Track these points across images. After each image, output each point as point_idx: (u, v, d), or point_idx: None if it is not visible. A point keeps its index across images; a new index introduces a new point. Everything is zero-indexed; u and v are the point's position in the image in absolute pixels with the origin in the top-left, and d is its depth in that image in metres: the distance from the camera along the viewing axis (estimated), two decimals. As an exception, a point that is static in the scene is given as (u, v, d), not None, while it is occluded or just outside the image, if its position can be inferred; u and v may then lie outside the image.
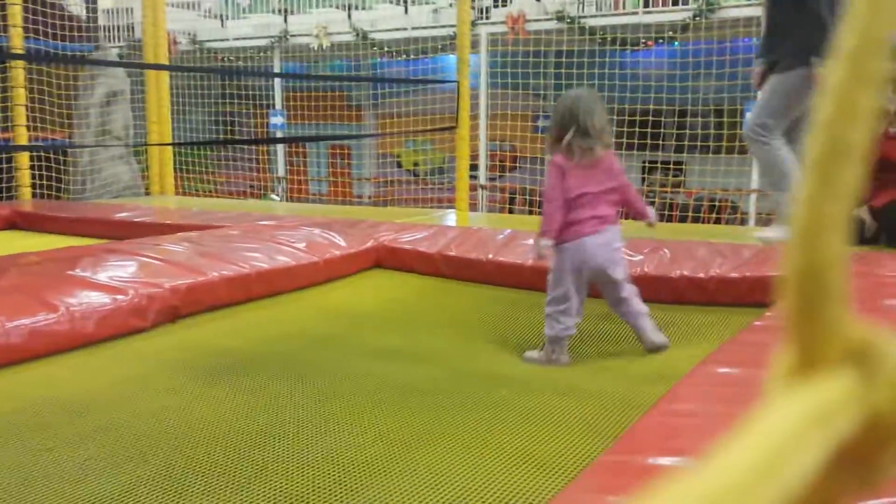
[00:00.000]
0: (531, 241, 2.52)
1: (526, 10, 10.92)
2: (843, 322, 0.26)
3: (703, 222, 9.26)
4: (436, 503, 1.50)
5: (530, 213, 9.20)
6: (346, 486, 1.57)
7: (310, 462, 1.69)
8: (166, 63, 7.87)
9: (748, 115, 4.00)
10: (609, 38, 10.01)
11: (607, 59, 10.00)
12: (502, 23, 11.05)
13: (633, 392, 2.17)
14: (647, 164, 11.09)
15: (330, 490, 1.55)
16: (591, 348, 2.68)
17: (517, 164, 11.99)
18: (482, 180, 11.37)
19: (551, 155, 2.45)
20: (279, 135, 12.30)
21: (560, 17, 10.61)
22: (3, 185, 6.69)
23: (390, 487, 1.56)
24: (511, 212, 10.31)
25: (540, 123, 12.05)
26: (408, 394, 2.16)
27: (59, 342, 2.49)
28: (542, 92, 11.72)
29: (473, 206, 10.34)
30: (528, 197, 10.31)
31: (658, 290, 3.05)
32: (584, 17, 10.41)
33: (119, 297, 2.74)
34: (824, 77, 0.26)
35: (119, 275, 3.01)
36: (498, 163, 11.81)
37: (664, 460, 1.39)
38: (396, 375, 2.33)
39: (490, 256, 3.61)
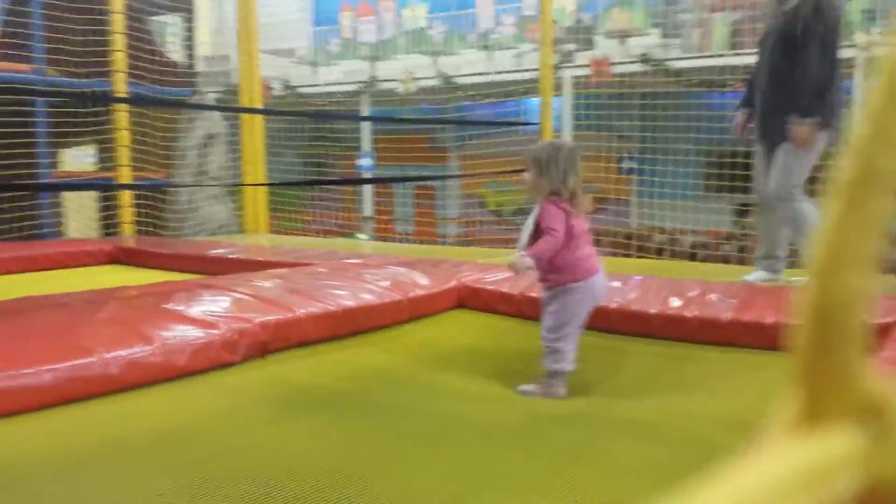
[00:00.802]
0: (514, 258, 2.56)
1: (610, 53, 10.92)
2: (858, 372, 0.23)
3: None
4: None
5: (613, 255, 9.07)
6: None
7: (385, 501, 1.69)
8: (260, 107, 8.19)
9: (770, 181, 3.95)
10: (695, 81, 9.88)
11: (694, 101, 9.86)
12: (586, 66, 11.07)
13: (713, 438, 2.10)
14: (740, 207, 10.80)
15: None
16: (666, 392, 2.62)
17: (603, 206, 11.88)
18: (566, 222, 11.30)
19: (543, 198, 2.57)
20: (367, 176, 12.57)
21: (645, 60, 10.56)
22: (107, 221, 7.05)
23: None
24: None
25: (624, 165, 11.95)
26: (485, 435, 2.15)
27: (153, 374, 2.58)
28: (626, 134, 11.63)
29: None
30: (612, 238, 10.18)
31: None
32: (670, 59, 10.32)
33: (211, 331, 2.83)
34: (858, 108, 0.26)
35: (212, 309, 3.11)
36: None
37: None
38: (474, 416, 2.33)
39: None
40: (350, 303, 3.32)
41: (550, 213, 2.54)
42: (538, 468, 1.89)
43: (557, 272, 2.58)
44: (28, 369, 2.32)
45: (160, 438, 2.13)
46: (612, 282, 3.95)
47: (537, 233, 2.56)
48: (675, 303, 3.43)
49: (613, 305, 3.47)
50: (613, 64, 10.72)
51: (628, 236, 9.36)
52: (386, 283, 3.65)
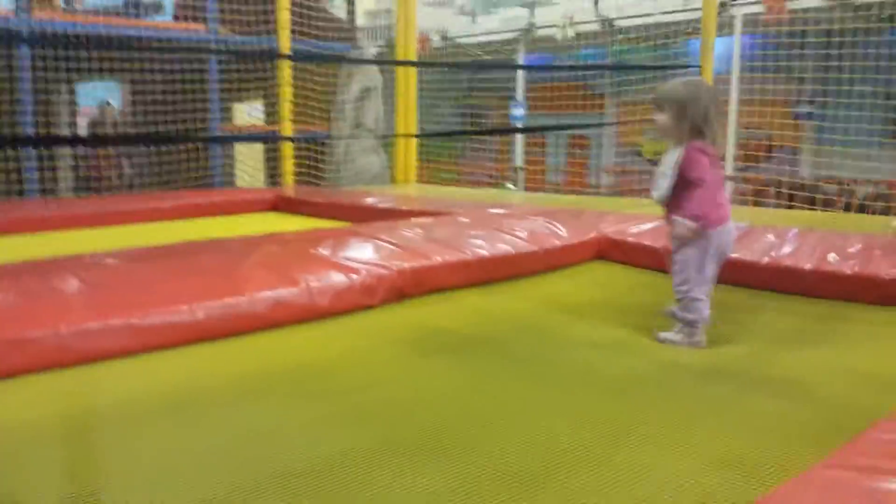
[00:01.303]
0: (679, 222, 2.44)
1: (787, -13, 10.10)
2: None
3: None
4: (628, 499, 1.47)
5: (780, 206, 8.52)
6: (544, 470, 1.59)
7: (512, 444, 1.72)
8: (415, 60, 8.30)
9: None
10: (883, 15, 8.96)
11: (878, 39, 8.97)
12: (758, 2, 10.32)
13: (859, 399, 1.97)
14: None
15: (529, 472, 1.58)
16: (812, 350, 2.46)
17: (772, 154, 11.16)
18: (729, 171, 10.74)
19: (681, 142, 2.44)
20: (519, 126, 12.49)
21: (826, -7, 9.68)
22: (272, 172, 7.48)
23: (586, 477, 1.55)
24: (758, 205, 9.61)
25: (800, 109, 11.11)
26: (616, 385, 2.13)
27: (298, 314, 2.75)
28: (802, 75, 10.78)
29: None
30: (781, 190, 9.56)
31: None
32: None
33: (352, 276, 2.95)
34: None
35: (355, 255, 3.25)
36: (750, 153, 11.05)
37: (889, 483, 1.24)
38: (607, 366, 2.30)
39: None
40: (485, 252, 3.35)
41: (698, 161, 2.40)
42: (673, 421, 1.86)
43: (692, 214, 2.45)
44: (185, 306, 2.53)
45: (306, 371, 2.28)
46: (768, 234, 3.75)
47: (682, 182, 2.43)
48: (832, 258, 3.20)
49: (766, 260, 3.28)
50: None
51: (796, 187, 8.75)
52: (524, 234, 3.65)
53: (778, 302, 3.08)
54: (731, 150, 10.71)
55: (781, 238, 3.65)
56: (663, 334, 2.54)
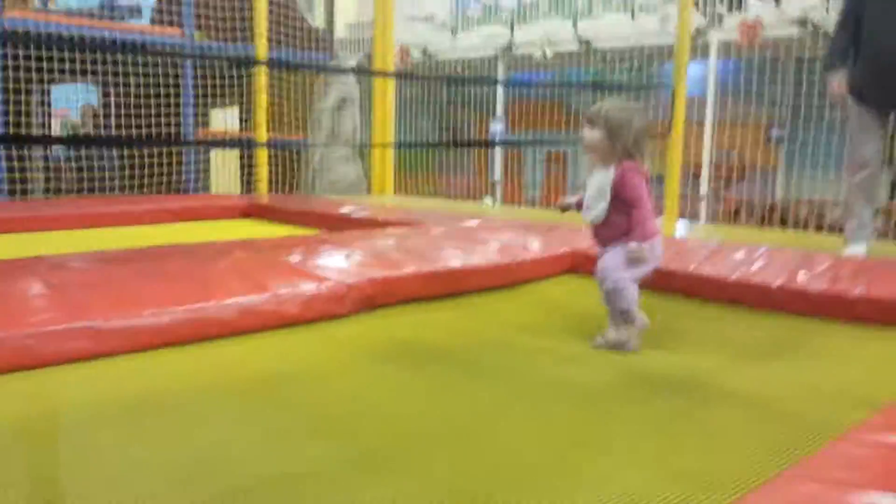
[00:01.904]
0: (635, 251, 2.53)
1: (763, 15, 10.27)
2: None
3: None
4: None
5: (754, 226, 8.63)
6: (509, 483, 1.57)
7: (478, 456, 1.70)
8: (392, 70, 8.32)
9: None
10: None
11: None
12: (735, 30, 10.48)
13: (823, 415, 1.98)
14: None
15: (494, 484, 1.56)
16: (777, 364, 2.48)
17: (745, 176, 11.30)
18: (704, 191, 10.85)
19: (610, 163, 2.50)
20: (497, 140, 12.55)
21: (802, 23, 9.87)
22: (246, 179, 7.42)
23: (543, 490, 1.54)
24: (733, 224, 9.72)
25: (773, 133, 11.27)
26: (579, 397, 2.13)
27: (266, 321, 2.71)
28: (775, 100, 10.95)
29: (695, 217, 9.89)
30: (754, 210, 9.67)
31: None
32: (829, 23, 9.58)
33: (322, 284, 2.93)
34: None
35: (325, 263, 3.23)
36: (725, 174, 11.18)
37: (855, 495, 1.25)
38: (570, 379, 2.30)
39: (691, 268, 3.45)
40: (457, 264, 3.34)
41: (636, 182, 2.48)
42: (633, 432, 1.86)
43: (626, 235, 2.54)
44: (150, 310, 2.49)
45: (269, 381, 2.24)
46: (737, 253, 3.78)
47: (618, 203, 2.50)
48: (801, 276, 3.24)
49: (734, 276, 3.31)
50: (766, 27, 10.08)
51: (770, 208, 8.86)
52: (496, 246, 3.65)
53: (747, 317, 3.10)
54: (705, 170, 10.83)
55: (751, 255, 3.69)
56: (599, 339, 2.60)
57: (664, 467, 1.65)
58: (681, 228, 5.71)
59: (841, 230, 4.65)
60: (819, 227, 8.24)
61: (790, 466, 1.51)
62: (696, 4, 9.92)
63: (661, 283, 3.47)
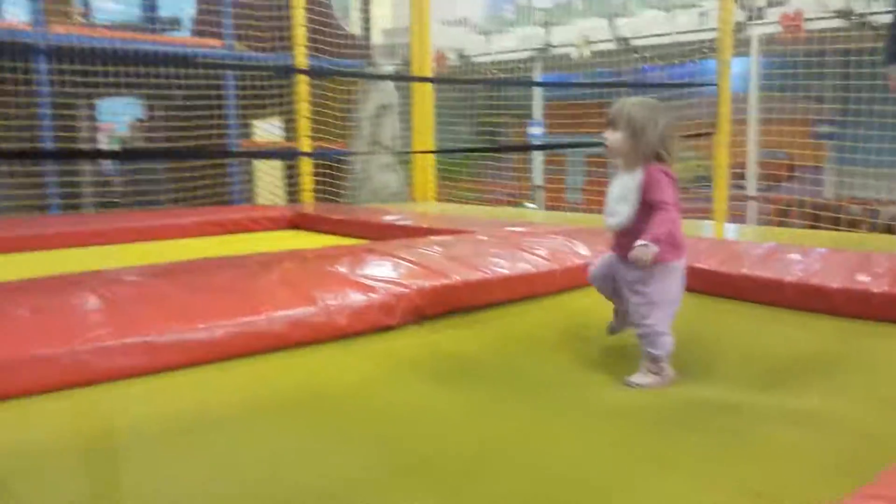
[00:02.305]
0: (638, 251, 2.25)
1: (804, 8, 10.06)
2: None
3: None
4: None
5: (803, 226, 8.43)
6: (572, 500, 1.53)
7: (525, 472, 1.67)
8: (430, 76, 8.31)
9: None
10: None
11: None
12: (776, 23, 10.29)
13: (889, 428, 1.89)
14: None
15: (559, 500, 1.52)
16: (836, 373, 2.39)
17: (793, 174, 11.07)
18: (751, 191, 10.66)
19: (634, 165, 2.32)
20: (536, 144, 12.49)
21: (844, 15, 9.65)
22: (289, 189, 7.48)
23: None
24: (782, 225, 9.51)
25: (822, 130, 11.03)
26: (633, 415, 2.05)
27: (315, 333, 2.71)
28: (821, 95, 10.71)
29: (741, 219, 9.70)
30: (804, 209, 9.45)
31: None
32: (873, 13, 9.35)
33: (371, 295, 2.91)
34: None
35: (373, 274, 3.21)
36: (772, 172, 10.97)
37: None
38: (624, 395, 2.22)
39: (743, 271, 3.37)
40: (505, 270, 3.30)
41: (662, 183, 2.28)
42: (687, 452, 1.79)
43: (660, 248, 2.27)
44: (202, 324, 2.50)
45: (320, 395, 2.23)
46: (791, 254, 3.68)
47: (644, 207, 2.28)
48: (861, 277, 3.13)
49: (790, 279, 3.22)
50: (807, 20, 9.88)
51: (820, 207, 8.65)
52: (543, 252, 3.60)
53: (804, 322, 3.01)
54: (751, 169, 10.64)
55: (806, 256, 3.59)
56: (632, 379, 2.32)
57: (734, 486, 1.59)
58: (730, 230, 5.60)
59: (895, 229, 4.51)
60: (874, 227, 8.03)
61: (864, 485, 1.44)
62: (737, -1, 9.74)
63: (712, 287, 3.42)
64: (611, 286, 2.50)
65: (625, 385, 2.30)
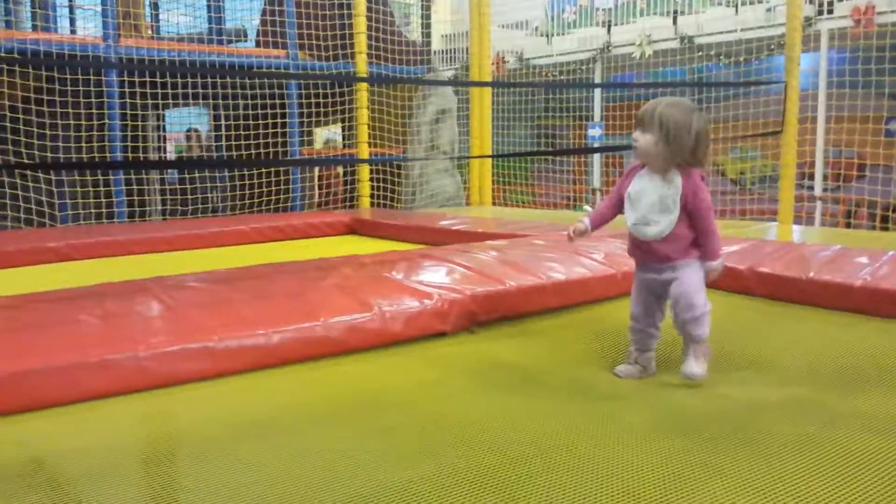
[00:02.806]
0: (717, 267, 2.34)
1: (876, 1, 9.72)
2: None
3: None
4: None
5: (874, 228, 8.14)
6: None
7: (580, 479, 1.65)
8: (489, 81, 8.31)
9: None
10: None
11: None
12: (846, 17, 9.96)
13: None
14: None
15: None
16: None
17: (863, 173, 10.70)
18: (818, 191, 10.35)
19: (667, 169, 2.25)
20: (596, 146, 12.36)
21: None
22: (348, 195, 7.57)
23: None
24: (849, 226, 9.20)
25: (894, 127, 10.64)
26: (699, 423, 2.01)
27: (371, 339, 2.73)
28: (893, 91, 10.32)
29: (809, 220, 9.42)
30: (873, 210, 9.12)
31: None
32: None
33: (425, 301, 2.92)
34: None
35: (428, 279, 3.23)
36: (840, 171, 10.63)
37: None
38: (689, 403, 2.18)
39: (810, 274, 3.27)
40: (560, 276, 3.27)
41: (704, 190, 2.23)
42: (761, 464, 1.73)
43: (691, 249, 2.29)
44: (261, 330, 2.55)
45: (376, 401, 2.25)
46: (859, 257, 3.56)
47: (682, 215, 2.24)
48: (934, 282, 3.01)
49: (858, 283, 3.11)
50: (878, 13, 9.54)
51: (890, 207, 8.34)
52: (600, 256, 3.56)
53: (871, 325, 2.91)
54: (819, 168, 10.32)
55: (876, 259, 3.46)
56: (688, 371, 2.28)
57: (801, 498, 1.54)
58: (796, 232, 5.44)
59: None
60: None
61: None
62: (805, -7, 9.48)
63: (766, 291, 3.34)
64: (649, 311, 2.41)
65: (683, 378, 2.28)
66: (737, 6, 11.71)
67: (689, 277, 2.28)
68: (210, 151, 9.19)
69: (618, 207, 2.41)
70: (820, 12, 10.36)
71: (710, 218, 2.26)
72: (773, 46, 10.44)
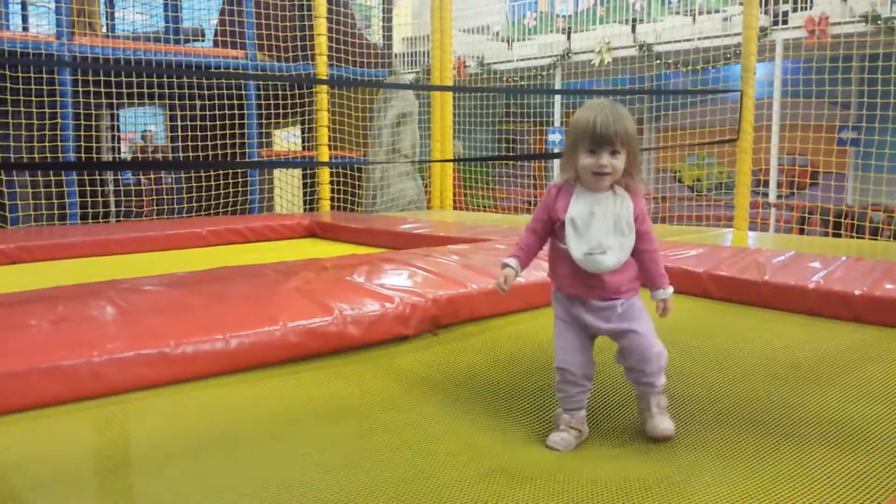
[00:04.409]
0: (667, 292, 1.96)
1: (829, 12, 9.97)
2: None
3: None
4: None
5: (826, 234, 8.33)
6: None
7: (520, 493, 1.62)
8: (450, 85, 8.32)
9: None
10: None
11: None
12: (800, 27, 10.20)
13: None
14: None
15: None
16: (863, 380, 2.33)
17: (816, 181, 10.96)
18: (772, 197, 10.56)
19: (613, 186, 1.92)
20: (556, 151, 12.45)
21: (869, 19, 9.55)
22: (307, 197, 7.50)
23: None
24: (802, 232, 9.41)
25: (846, 136, 10.91)
26: (684, 422, 2.00)
27: (331, 343, 2.70)
28: (846, 100, 10.60)
29: (764, 226, 9.61)
30: (826, 217, 9.34)
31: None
32: (899, 16, 9.25)
33: (386, 304, 2.90)
34: None
35: (390, 283, 3.21)
36: (794, 179, 10.87)
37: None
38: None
39: (766, 278, 3.33)
40: (521, 279, 3.27)
41: (645, 210, 1.93)
42: (721, 472, 1.74)
43: (635, 280, 1.96)
44: (218, 335, 2.50)
45: (332, 411, 2.19)
46: (813, 262, 3.64)
47: (638, 237, 1.90)
48: (886, 285, 3.09)
49: (811, 286, 3.18)
50: (832, 24, 9.78)
51: (842, 214, 8.54)
52: (561, 261, 3.58)
53: (826, 328, 2.97)
54: (773, 176, 10.53)
55: (829, 265, 3.54)
56: (659, 428, 1.91)
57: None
58: (752, 238, 5.54)
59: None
60: (894, 235, 7.91)
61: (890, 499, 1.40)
62: (761, 3, 9.69)
63: (723, 294, 3.40)
64: (587, 358, 1.97)
65: (654, 436, 1.91)
66: (694, 15, 11.91)
67: (645, 323, 1.92)
68: (165, 152, 9.04)
69: (547, 236, 1.99)
70: (775, 23, 10.59)
71: (654, 239, 1.95)
72: (729, 55, 10.63)
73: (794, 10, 10.52)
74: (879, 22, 9.39)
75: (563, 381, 1.96)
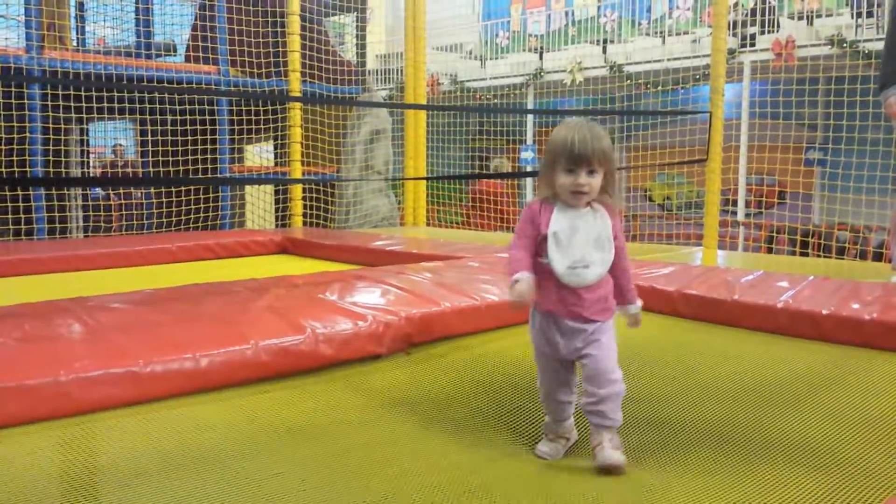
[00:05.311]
0: (637, 306, 2.01)
1: (795, 35, 10.18)
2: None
3: None
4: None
5: (793, 253, 8.45)
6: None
7: None
8: (424, 103, 8.35)
9: None
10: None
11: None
12: (768, 50, 10.41)
13: (882, 460, 1.87)
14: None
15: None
16: (827, 400, 2.36)
17: (783, 200, 11.14)
18: (741, 216, 10.71)
19: (590, 202, 1.92)
20: (529, 169, 12.54)
21: (834, 42, 9.78)
22: (279, 213, 7.47)
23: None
24: (770, 251, 9.54)
25: (812, 156, 11.12)
26: (654, 444, 2.02)
27: (303, 362, 2.67)
28: (812, 122, 10.81)
29: (732, 245, 9.74)
30: (793, 236, 9.48)
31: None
32: (864, 40, 9.47)
33: (359, 322, 2.88)
34: None
35: (363, 300, 3.19)
36: (761, 198, 11.04)
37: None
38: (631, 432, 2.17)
39: (735, 297, 3.37)
40: (495, 297, 3.28)
41: (620, 228, 1.97)
42: (685, 491, 1.76)
43: (610, 299, 1.96)
44: (187, 353, 2.47)
45: (302, 431, 2.16)
46: (781, 281, 3.69)
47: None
48: (852, 304, 3.13)
49: (780, 304, 3.22)
50: (798, 47, 9.99)
51: (809, 233, 8.69)
52: (534, 279, 3.59)
53: (792, 348, 3.01)
54: (742, 195, 10.68)
55: (797, 284, 3.59)
56: (608, 461, 1.83)
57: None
58: (721, 257, 5.60)
59: (885, 257, 4.52)
60: (863, 255, 8.05)
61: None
62: (729, 26, 9.87)
63: (694, 314, 3.43)
64: (566, 377, 1.99)
65: (602, 467, 1.83)
66: (664, 37, 12.11)
67: (607, 348, 1.90)
68: (136, 166, 8.95)
69: (534, 252, 1.95)
70: (743, 45, 10.79)
71: (626, 255, 1.98)
72: (698, 77, 10.81)
73: (762, 32, 10.74)
74: (845, 45, 9.62)
75: (546, 399, 2.01)
